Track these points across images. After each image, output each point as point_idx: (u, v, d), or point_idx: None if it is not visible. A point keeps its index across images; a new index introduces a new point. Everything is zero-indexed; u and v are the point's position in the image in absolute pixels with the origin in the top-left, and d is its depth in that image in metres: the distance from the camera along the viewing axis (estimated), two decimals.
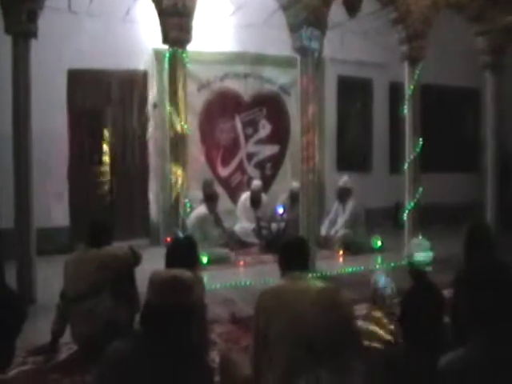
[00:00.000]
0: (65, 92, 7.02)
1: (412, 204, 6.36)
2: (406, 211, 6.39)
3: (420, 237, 4.57)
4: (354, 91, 9.00)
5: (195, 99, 7.55)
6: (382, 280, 3.32)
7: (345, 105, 8.93)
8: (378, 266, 6.07)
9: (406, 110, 6.41)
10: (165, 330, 1.87)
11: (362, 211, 7.36)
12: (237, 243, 7.33)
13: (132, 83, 7.42)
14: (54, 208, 6.92)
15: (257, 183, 7.68)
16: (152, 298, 1.96)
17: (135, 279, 3.71)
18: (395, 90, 8.28)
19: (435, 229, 7.20)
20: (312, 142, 5.79)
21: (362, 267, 5.99)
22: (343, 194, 7.29)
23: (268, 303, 2.56)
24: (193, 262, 3.22)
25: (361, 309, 3.63)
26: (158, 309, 1.91)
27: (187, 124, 5.32)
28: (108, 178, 7.32)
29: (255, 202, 7.61)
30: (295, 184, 7.29)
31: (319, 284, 2.71)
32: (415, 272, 3.18)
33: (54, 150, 6.91)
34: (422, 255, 3.25)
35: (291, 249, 2.77)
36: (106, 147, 7.33)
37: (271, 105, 8.35)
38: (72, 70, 7.00)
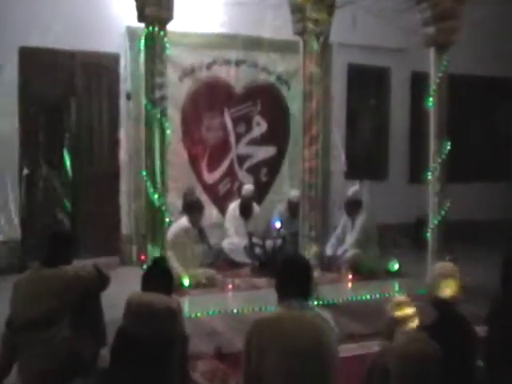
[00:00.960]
0: (15, 75, 6.91)
1: (437, 220, 6.34)
2: (430, 228, 6.38)
3: (447, 259, 4.55)
4: (367, 82, 9.02)
5: (177, 90, 7.55)
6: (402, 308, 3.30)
7: (356, 99, 8.93)
8: (394, 294, 6.05)
9: (430, 105, 6.41)
10: (140, 363, 1.86)
11: (376, 227, 7.36)
12: (225, 263, 7.32)
13: (100, 68, 7.39)
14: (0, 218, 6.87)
15: (248, 188, 7.71)
16: (128, 325, 1.96)
17: (101, 306, 3.67)
18: (418, 82, 8.27)
19: (461, 250, 7.20)
20: (316, 143, 5.80)
21: (376, 295, 5.99)
22: (353, 207, 7.28)
23: (262, 334, 2.58)
24: (171, 287, 3.24)
25: (372, 345, 3.62)
26: (135, 338, 1.90)
27: (167, 120, 5.30)
28: (69, 182, 7.25)
29: (246, 210, 7.63)
30: (295, 193, 7.28)
31: (323, 314, 2.72)
32: (439, 302, 3.16)
33: (0, 147, 6.85)
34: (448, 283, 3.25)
35: (291, 270, 2.77)
36: (67, 145, 7.27)
37: (267, 98, 8.35)
38: (25, 48, 6.91)
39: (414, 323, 3.03)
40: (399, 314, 3.11)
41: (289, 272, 2.76)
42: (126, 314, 2.00)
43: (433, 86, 6.40)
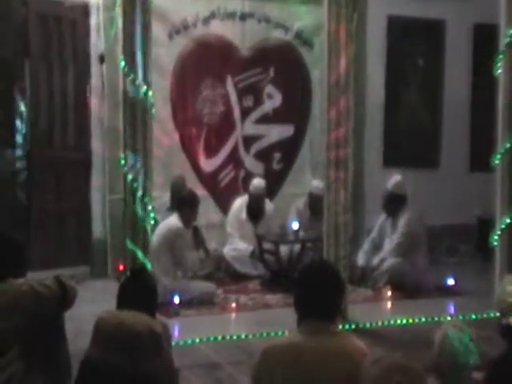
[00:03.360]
0: None
1: (507, 220, 6.27)
2: (498, 231, 6.31)
3: None
4: (414, 40, 8.97)
5: (165, 51, 7.59)
6: (454, 339, 3.27)
7: (399, 62, 8.89)
8: (448, 317, 6.02)
9: (499, 68, 6.33)
10: None
11: (424, 230, 7.34)
12: (227, 274, 7.39)
13: (64, 21, 7.36)
14: None
15: (258, 183, 7.70)
16: (97, 354, 1.96)
17: (65, 331, 3.64)
18: (482, 38, 8.23)
19: None
20: (345, 120, 5.80)
21: (422, 318, 5.97)
22: (394, 203, 7.27)
23: (274, 368, 2.57)
24: (155, 305, 3.26)
25: None
26: (105, 371, 1.90)
27: (152, 90, 5.30)
28: (24, 170, 7.27)
29: (255, 211, 7.65)
30: (317, 184, 7.34)
31: (356, 343, 2.70)
32: (509, 328, 3.13)
33: None
34: None
35: (315, 282, 2.75)
36: (20, 122, 7.28)
37: (282, 62, 8.36)
38: None
39: None
40: None
41: (312, 283, 2.74)
42: (95, 340, 2.00)
43: (503, 43, 6.31)
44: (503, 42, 6.31)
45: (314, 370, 2.55)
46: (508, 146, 6.31)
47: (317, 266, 2.96)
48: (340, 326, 5.30)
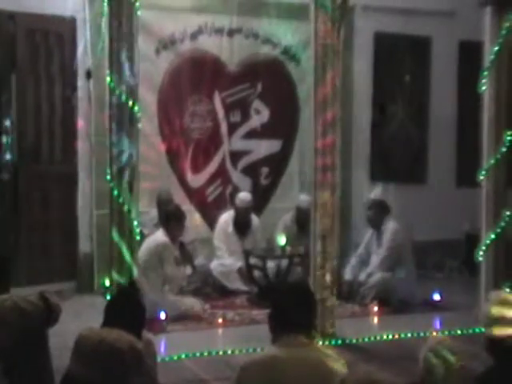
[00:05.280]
0: None
1: (493, 235, 6.30)
2: (483, 247, 6.34)
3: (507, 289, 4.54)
4: (400, 57, 9.00)
5: (152, 66, 7.61)
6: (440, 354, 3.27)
7: (385, 78, 8.92)
8: (434, 333, 6.03)
9: (484, 85, 6.38)
10: None
11: (410, 242, 7.35)
12: (214, 290, 7.37)
13: (51, 36, 7.38)
14: None
15: (244, 197, 7.72)
16: (77, 371, 1.94)
17: (48, 347, 3.63)
18: (468, 55, 8.27)
19: None
20: (332, 131, 5.82)
21: (409, 333, 5.97)
22: (376, 212, 7.25)
23: (255, 381, 2.60)
24: (142, 322, 3.24)
25: None
26: None
27: (139, 105, 5.30)
28: (9, 184, 7.23)
29: (241, 225, 7.65)
30: (304, 198, 7.34)
31: (332, 355, 2.73)
32: (496, 344, 3.12)
33: None
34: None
35: (288, 300, 2.83)
36: (6, 136, 7.25)
37: (270, 78, 8.39)
38: None
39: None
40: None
41: (285, 302, 2.83)
42: (75, 357, 1.99)
43: (489, 60, 6.36)
44: (488, 58, 6.37)
45: (291, 383, 2.59)
46: (493, 161, 6.35)
47: (290, 286, 3.17)
48: (327, 342, 5.39)
